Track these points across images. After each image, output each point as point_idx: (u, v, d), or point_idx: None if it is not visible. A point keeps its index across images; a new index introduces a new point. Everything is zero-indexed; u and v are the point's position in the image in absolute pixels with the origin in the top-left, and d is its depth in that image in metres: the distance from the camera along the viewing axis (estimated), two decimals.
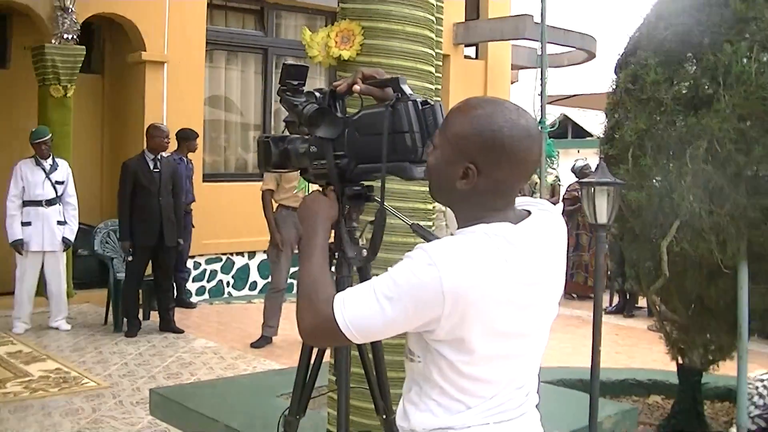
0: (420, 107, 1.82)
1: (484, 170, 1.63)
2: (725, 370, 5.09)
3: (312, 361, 2.25)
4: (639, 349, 7.96)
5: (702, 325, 4.82)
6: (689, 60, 4.37)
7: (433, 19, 3.38)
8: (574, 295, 11.07)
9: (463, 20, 12.20)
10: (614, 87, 4.76)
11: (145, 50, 9.27)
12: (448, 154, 1.66)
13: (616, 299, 10.41)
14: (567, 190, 11.31)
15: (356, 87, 1.93)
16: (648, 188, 4.34)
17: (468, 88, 11.42)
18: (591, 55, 13.52)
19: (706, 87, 4.19)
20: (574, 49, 13.32)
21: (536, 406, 1.80)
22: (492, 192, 1.66)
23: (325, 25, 3.49)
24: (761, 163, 3.98)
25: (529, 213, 1.72)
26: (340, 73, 3.21)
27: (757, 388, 5.35)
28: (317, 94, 2.05)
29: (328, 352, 2.37)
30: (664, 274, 4.34)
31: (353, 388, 2.24)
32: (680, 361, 5.04)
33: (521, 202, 1.76)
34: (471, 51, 12.91)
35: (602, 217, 4.04)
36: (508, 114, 1.63)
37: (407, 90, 1.84)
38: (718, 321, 4.69)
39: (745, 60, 4.01)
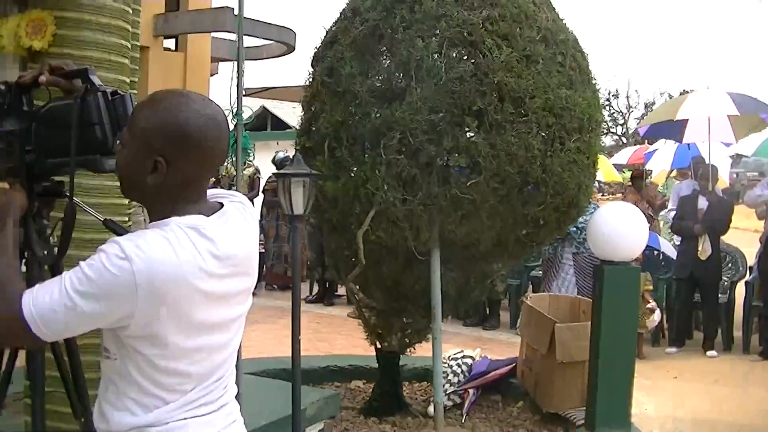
0: (110, 98, 1.81)
1: (173, 162, 1.62)
2: (422, 351, 5.33)
3: (3, 367, 2.09)
4: (340, 336, 8.16)
5: (399, 310, 5.01)
6: (383, 54, 4.49)
7: (129, 10, 3.26)
8: (275, 286, 11.15)
9: (164, 12, 11.84)
10: (311, 80, 4.78)
11: None
12: (137, 150, 1.64)
13: (316, 288, 10.63)
14: (267, 182, 11.36)
15: (42, 78, 1.86)
16: (344, 179, 4.41)
17: (167, 81, 11.04)
18: (290, 48, 13.67)
19: (400, 81, 4.33)
20: (272, 41, 13.40)
21: (236, 397, 1.81)
22: (183, 184, 1.66)
23: (19, 12, 3.21)
24: (451, 153, 4.18)
25: (222, 205, 1.73)
26: (31, 65, 3.06)
27: (451, 366, 5.68)
28: (1, 87, 1.94)
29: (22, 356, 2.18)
30: (361, 262, 4.44)
31: (50, 392, 2.16)
32: (379, 346, 5.20)
33: (213, 194, 1.77)
34: (171, 43, 12.57)
35: (298, 208, 4.08)
36: (194, 105, 1.64)
37: (96, 81, 1.82)
38: (414, 305, 4.90)
39: (435, 55, 4.19)
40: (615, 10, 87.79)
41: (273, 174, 9.11)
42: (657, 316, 7.88)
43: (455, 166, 4.21)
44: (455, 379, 5.59)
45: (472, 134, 4.17)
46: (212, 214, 1.68)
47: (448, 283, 4.76)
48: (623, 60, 74.84)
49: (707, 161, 8.61)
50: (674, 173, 12.59)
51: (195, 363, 1.66)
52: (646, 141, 14.90)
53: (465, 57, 4.24)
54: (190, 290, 1.59)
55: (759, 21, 72.72)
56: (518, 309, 7.72)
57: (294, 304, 4.13)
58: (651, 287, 7.88)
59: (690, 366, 7.57)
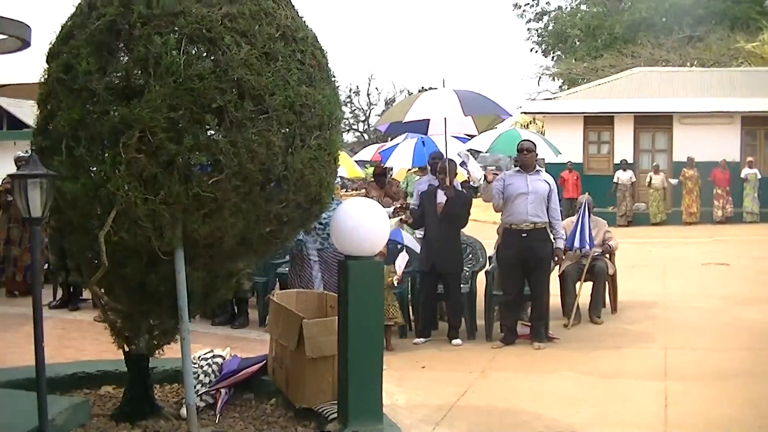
0: None
1: None
2: (172, 353, 5.24)
3: None
4: (88, 341, 7.82)
5: (145, 312, 4.90)
6: (121, 50, 4.36)
7: None
8: (17, 293, 10.53)
9: None
10: (46, 77, 4.57)
11: None
12: None
13: (60, 293, 10.11)
14: (2, 182, 10.69)
15: None
16: (84, 179, 4.25)
17: None
18: (25, 44, 12.85)
19: (138, 77, 4.23)
20: (7, 36, 12.52)
21: None
22: None
23: None
24: (192, 151, 4.14)
25: None
26: None
27: (201, 366, 5.63)
28: None
29: None
30: (105, 264, 4.29)
31: None
32: (127, 349, 5.06)
33: None
34: None
35: (36, 211, 3.91)
36: None
37: None
38: (160, 306, 4.80)
39: (174, 52, 4.14)
40: (355, 7, 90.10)
41: (8, 175, 8.55)
42: (401, 260, 8.13)
43: (196, 164, 4.19)
44: (206, 380, 5.55)
45: (213, 132, 4.16)
46: None
47: (194, 283, 4.72)
48: (364, 57, 76.96)
49: (445, 156, 8.99)
50: (415, 169, 13.15)
51: None
52: (390, 137, 15.43)
53: (204, 54, 4.23)
54: None
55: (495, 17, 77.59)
56: (266, 306, 7.77)
57: (35, 309, 3.96)
58: (396, 276, 8.15)
59: (437, 355, 7.93)
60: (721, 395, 6.34)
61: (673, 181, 23.32)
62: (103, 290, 4.90)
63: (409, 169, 13.72)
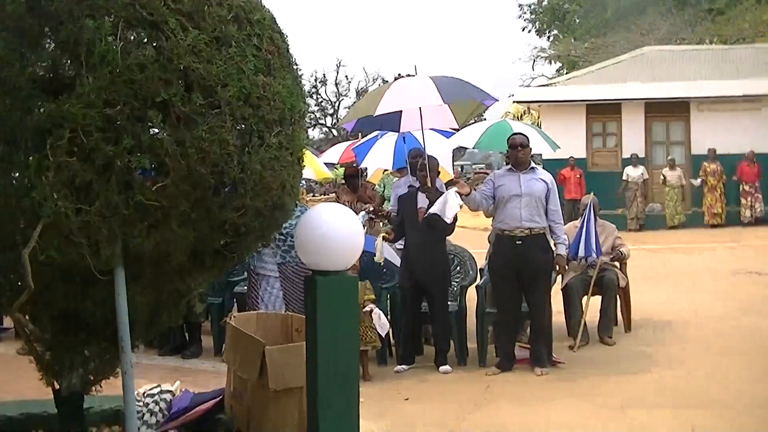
0: None
1: None
2: (111, 389, 5.23)
3: None
4: (9, 377, 7.79)
5: (79, 342, 4.90)
6: (47, 36, 4.37)
7: None
8: None
9: None
10: None
11: None
12: None
13: None
14: None
15: None
16: (4, 187, 4.24)
17: None
18: None
19: (68, 68, 4.24)
20: None
21: None
22: None
23: None
24: (132, 153, 4.15)
25: None
26: None
27: (147, 404, 5.64)
28: None
29: None
30: (30, 287, 4.29)
31: None
32: (57, 387, 5.05)
33: None
34: None
35: None
36: None
37: None
38: (96, 335, 4.81)
39: (110, 38, 4.14)
40: None
41: None
42: (382, 321, 8.18)
43: (138, 168, 4.20)
44: (153, 419, 5.56)
45: (156, 130, 4.18)
46: None
47: (137, 307, 4.73)
48: (332, 41, 76.44)
49: (424, 152, 8.96)
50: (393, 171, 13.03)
51: None
52: (360, 134, 15.30)
53: (145, 40, 4.23)
54: None
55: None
56: (222, 332, 7.79)
57: None
58: (373, 296, 8.23)
59: (422, 385, 7.98)
60: (760, 427, 6.38)
61: (695, 182, 23.39)
62: (27, 317, 4.89)
63: (386, 170, 13.68)
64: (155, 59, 4.16)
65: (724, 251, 17.71)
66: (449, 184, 9.69)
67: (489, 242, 9.01)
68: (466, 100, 9.38)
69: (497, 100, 9.71)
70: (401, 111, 9.45)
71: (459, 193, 8.20)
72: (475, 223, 14.07)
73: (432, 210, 8.01)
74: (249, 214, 4.50)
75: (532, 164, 8.63)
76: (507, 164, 9.18)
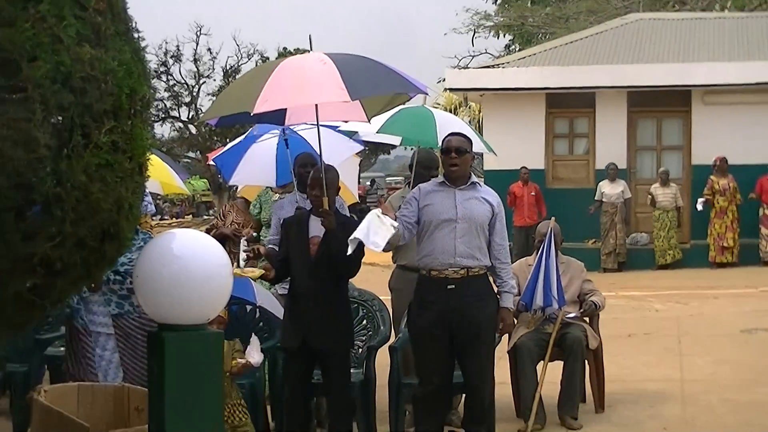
0: None
1: None
2: None
3: None
4: None
5: None
6: None
7: None
8: None
9: None
10: None
11: None
12: None
13: None
14: None
15: None
16: None
17: None
18: None
19: None
20: None
21: None
22: None
23: None
24: None
25: None
26: None
27: None
28: None
29: None
30: None
31: None
32: None
33: None
34: None
35: None
36: None
37: None
38: None
39: None
40: None
41: None
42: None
43: None
44: None
45: None
46: None
47: None
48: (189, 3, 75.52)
49: (319, 159, 8.74)
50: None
51: None
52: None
53: None
54: None
55: None
56: (27, 410, 7.69)
57: None
58: (244, 360, 8.19)
59: None
60: None
61: (699, 206, 23.25)
62: None
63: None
64: None
65: (735, 301, 17.87)
66: (352, 207, 9.56)
67: (390, 289, 9.01)
68: (382, 94, 9.22)
69: (427, 94, 9.54)
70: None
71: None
72: (387, 258, 14.08)
73: (355, 235, 7.74)
74: (68, 245, 4.48)
75: (474, 178, 8.50)
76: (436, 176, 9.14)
